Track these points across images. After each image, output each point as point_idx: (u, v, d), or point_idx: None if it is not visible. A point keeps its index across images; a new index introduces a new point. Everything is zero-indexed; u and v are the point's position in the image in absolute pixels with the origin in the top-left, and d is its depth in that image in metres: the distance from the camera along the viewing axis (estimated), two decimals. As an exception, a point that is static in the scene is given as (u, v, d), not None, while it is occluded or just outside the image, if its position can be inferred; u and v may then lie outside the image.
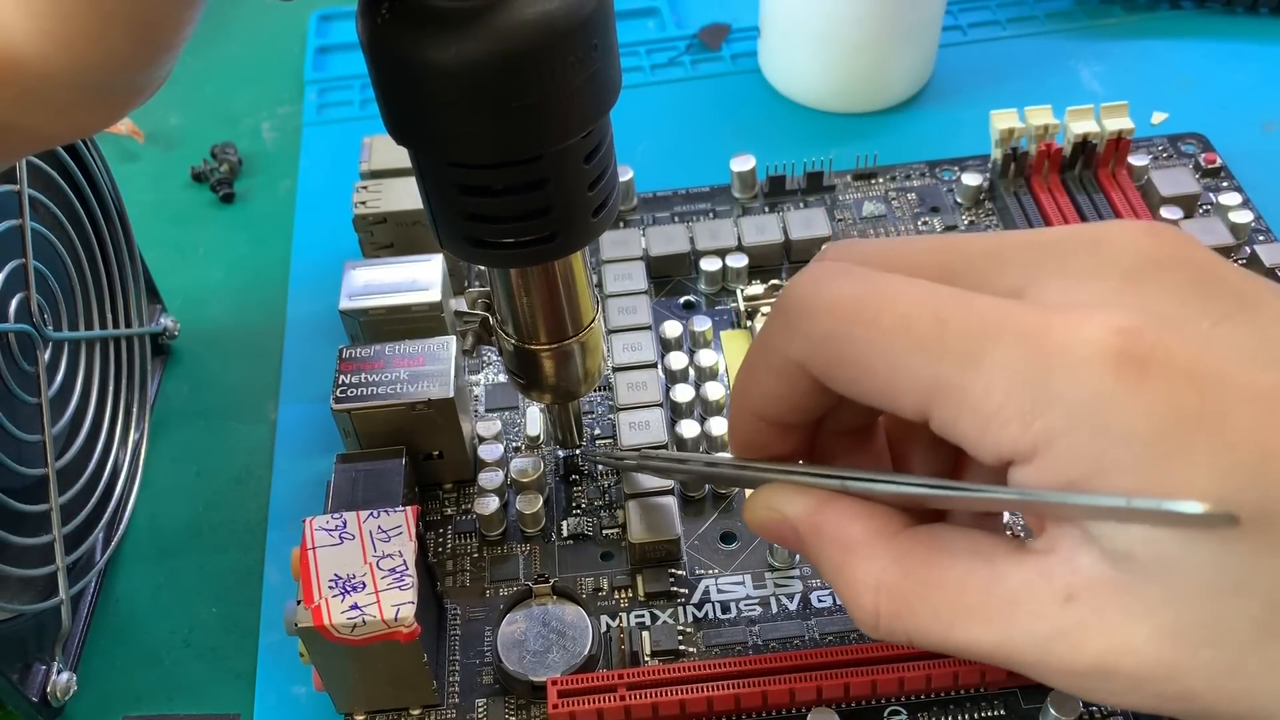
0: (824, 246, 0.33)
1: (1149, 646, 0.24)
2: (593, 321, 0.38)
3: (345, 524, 0.36)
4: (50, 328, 0.42)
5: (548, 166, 0.31)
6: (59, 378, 0.42)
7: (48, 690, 0.39)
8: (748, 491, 0.42)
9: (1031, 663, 0.26)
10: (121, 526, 0.45)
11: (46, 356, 0.41)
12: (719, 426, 0.44)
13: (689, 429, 0.44)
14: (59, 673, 0.40)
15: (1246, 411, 0.23)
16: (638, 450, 0.40)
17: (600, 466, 0.44)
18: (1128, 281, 0.26)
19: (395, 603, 0.34)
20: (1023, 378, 0.24)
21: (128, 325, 0.48)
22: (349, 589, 0.35)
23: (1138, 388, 0.23)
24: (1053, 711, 0.35)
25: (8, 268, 0.39)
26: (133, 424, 0.47)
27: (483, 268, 0.49)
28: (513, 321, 0.37)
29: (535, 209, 0.31)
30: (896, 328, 0.26)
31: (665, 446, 0.43)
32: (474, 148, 0.30)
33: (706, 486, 0.43)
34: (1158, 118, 0.58)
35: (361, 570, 0.35)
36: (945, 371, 0.26)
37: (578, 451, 0.45)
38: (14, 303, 0.40)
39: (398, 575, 0.35)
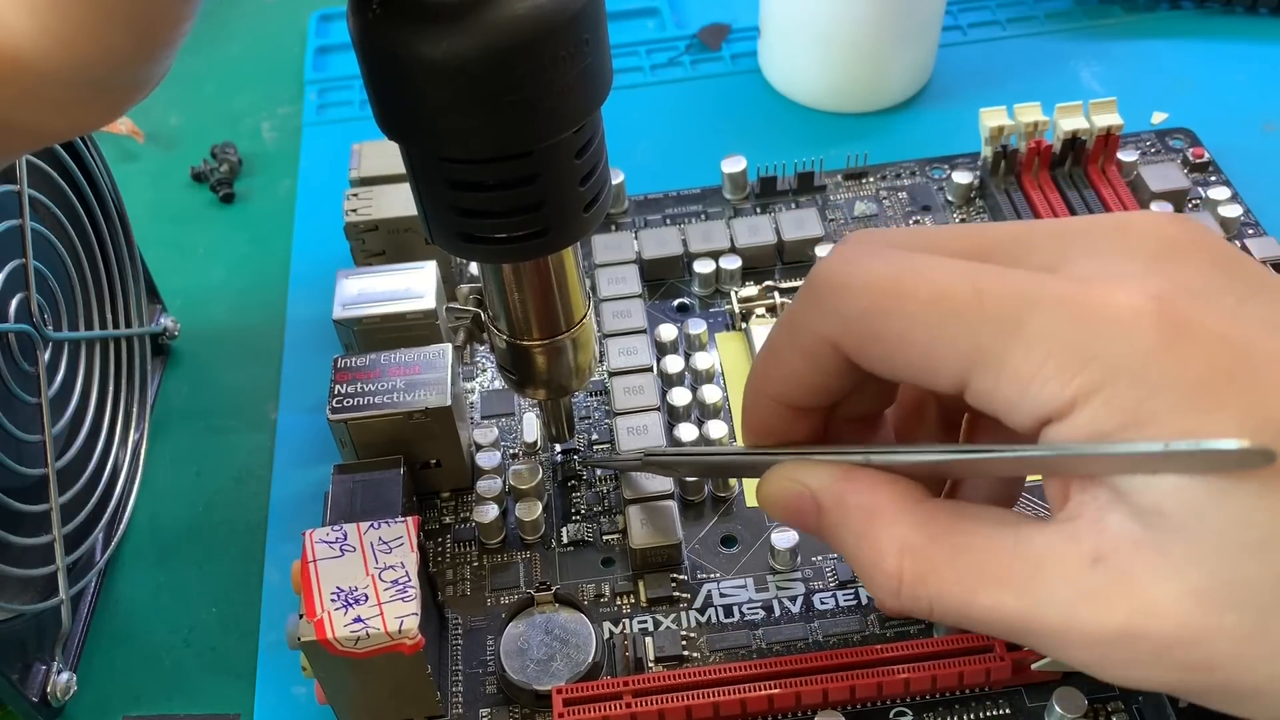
0: (846, 235, 0.34)
1: (1176, 608, 0.24)
2: (585, 317, 0.38)
3: (346, 536, 0.36)
4: (50, 328, 0.41)
5: (539, 162, 0.31)
6: (59, 378, 0.42)
7: (48, 690, 0.39)
8: (750, 486, 0.43)
9: (1056, 630, 0.26)
10: (121, 526, 0.45)
11: (46, 356, 0.41)
12: (717, 430, 0.43)
13: (687, 432, 0.44)
14: (59, 673, 0.40)
15: (1275, 373, 0.24)
16: (640, 453, 0.40)
17: (599, 471, 0.44)
18: (1155, 260, 0.27)
19: (399, 614, 0.34)
20: (1064, 338, 0.25)
21: (128, 325, 0.48)
22: (351, 601, 0.34)
23: (1175, 345, 0.24)
24: (1058, 709, 0.35)
25: (8, 268, 0.39)
26: (133, 424, 0.47)
27: (475, 269, 0.49)
28: (505, 318, 0.37)
29: (527, 204, 0.31)
30: (935, 298, 0.27)
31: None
32: (465, 143, 0.30)
33: (706, 489, 0.43)
34: (1158, 117, 0.58)
35: (364, 582, 0.35)
36: (985, 338, 0.26)
37: (575, 458, 0.45)
38: (14, 303, 0.40)
39: (400, 586, 0.35)
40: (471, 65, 0.28)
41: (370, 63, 0.29)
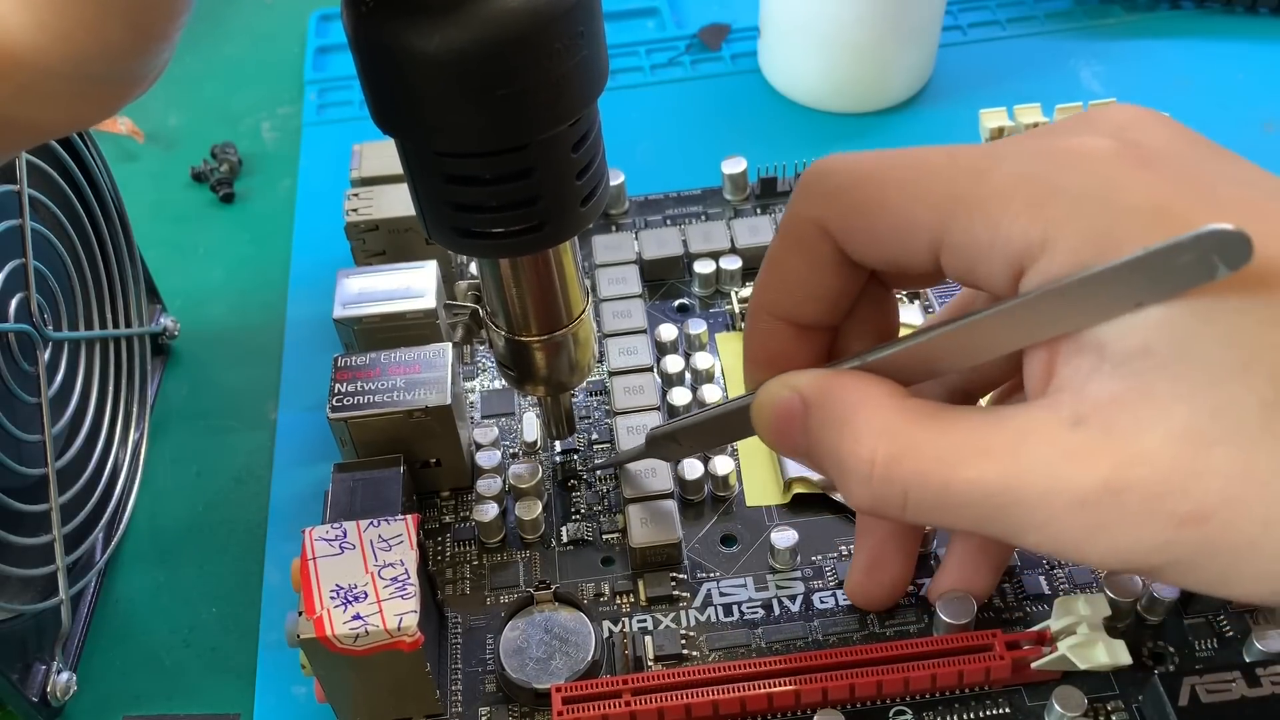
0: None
1: (1163, 451, 0.24)
2: (583, 312, 0.38)
3: (345, 534, 0.36)
4: (50, 328, 0.42)
5: (535, 155, 0.31)
6: (59, 378, 0.42)
7: (48, 690, 0.39)
8: (750, 485, 0.43)
9: (1040, 495, 0.25)
10: (121, 526, 0.45)
11: (46, 356, 0.41)
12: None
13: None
14: (59, 673, 0.40)
15: (1239, 207, 0.24)
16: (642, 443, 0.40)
17: (597, 461, 0.44)
18: (1119, 131, 0.27)
19: (398, 612, 0.34)
20: (1030, 175, 0.26)
21: (128, 325, 0.48)
22: (351, 599, 0.34)
23: (1140, 171, 0.25)
24: (1058, 708, 0.35)
25: (8, 268, 0.39)
26: (133, 424, 0.47)
27: (475, 272, 0.49)
28: (504, 314, 0.37)
29: (523, 198, 0.32)
30: (911, 162, 0.28)
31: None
32: (460, 136, 0.30)
33: (706, 488, 0.43)
34: (1158, 118, 0.58)
35: (363, 580, 0.35)
36: (959, 186, 0.27)
37: (578, 462, 0.45)
38: (14, 303, 0.40)
39: (400, 584, 0.35)
40: (465, 58, 0.28)
41: (364, 57, 0.29)
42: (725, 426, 0.36)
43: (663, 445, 0.39)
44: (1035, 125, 0.52)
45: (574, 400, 0.45)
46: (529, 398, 0.46)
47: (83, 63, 0.25)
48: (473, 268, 0.50)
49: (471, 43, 0.28)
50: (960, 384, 0.36)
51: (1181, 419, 0.24)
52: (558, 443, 0.45)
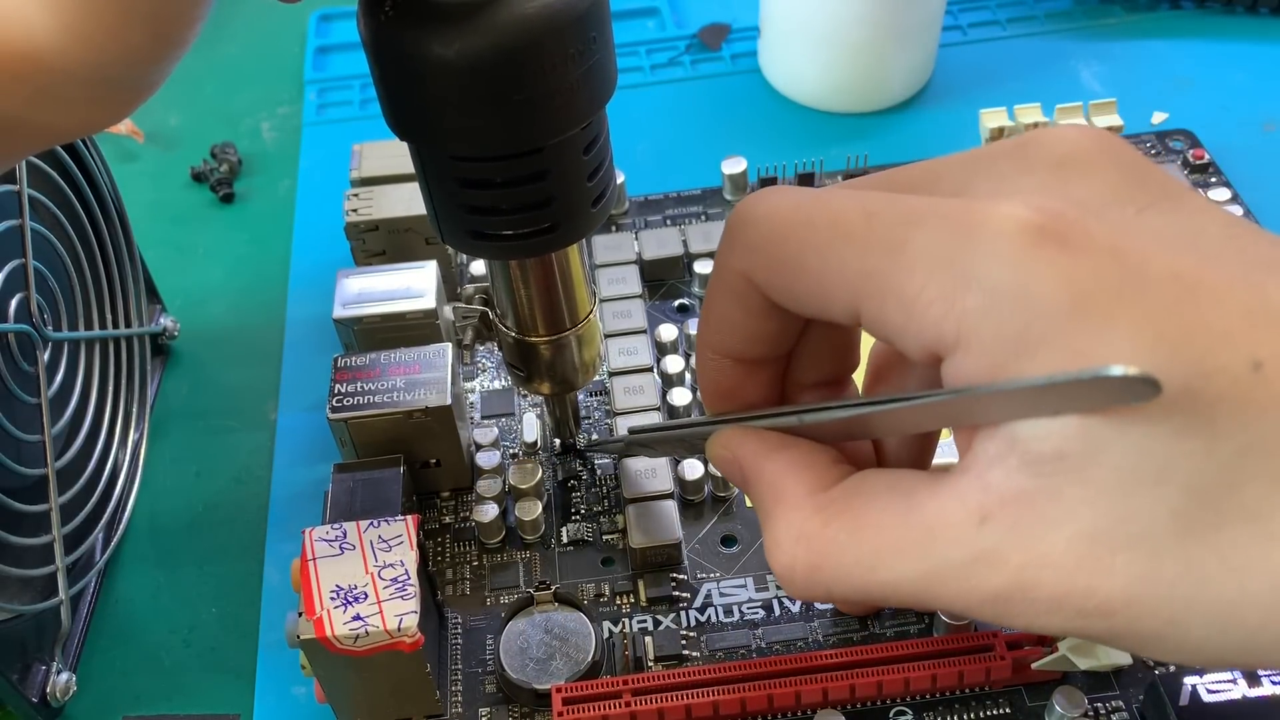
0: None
1: (1067, 554, 0.23)
2: (590, 314, 0.39)
3: (345, 534, 0.36)
4: (50, 328, 0.42)
5: (549, 158, 0.31)
6: (59, 378, 0.42)
7: (47, 690, 0.39)
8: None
9: (956, 593, 0.25)
10: (121, 526, 0.45)
11: (46, 356, 0.41)
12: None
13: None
14: (59, 673, 0.40)
15: (1168, 289, 0.23)
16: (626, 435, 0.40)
17: (598, 462, 0.44)
18: (1053, 173, 0.26)
19: (398, 613, 0.34)
20: (943, 258, 0.24)
21: (127, 325, 0.48)
22: (351, 600, 0.34)
23: (1057, 258, 0.23)
24: (1058, 709, 0.35)
25: (8, 268, 0.39)
26: (133, 424, 0.47)
27: (475, 270, 0.49)
28: (513, 314, 0.38)
29: (536, 201, 0.32)
30: (829, 224, 0.27)
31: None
32: (477, 141, 0.30)
33: (706, 489, 0.43)
34: (1158, 118, 0.58)
35: (363, 580, 0.35)
36: (872, 261, 0.26)
37: (580, 446, 0.45)
38: (14, 303, 0.40)
39: (400, 585, 0.35)
40: (485, 64, 0.28)
41: (383, 64, 0.30)
42: (691, 447, 0.37)
43: (639, 447, 0.40)
44: (1034, 125, 0.52)
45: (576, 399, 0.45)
46: (529, 398, 0.46)
47: (102, 66, 0.25)
48: (473, 269, 0.50)
49: (492, 49, 0.28)
50: None
51: (1087, 522, 0.23)
52: (557, 442, 0.45)
